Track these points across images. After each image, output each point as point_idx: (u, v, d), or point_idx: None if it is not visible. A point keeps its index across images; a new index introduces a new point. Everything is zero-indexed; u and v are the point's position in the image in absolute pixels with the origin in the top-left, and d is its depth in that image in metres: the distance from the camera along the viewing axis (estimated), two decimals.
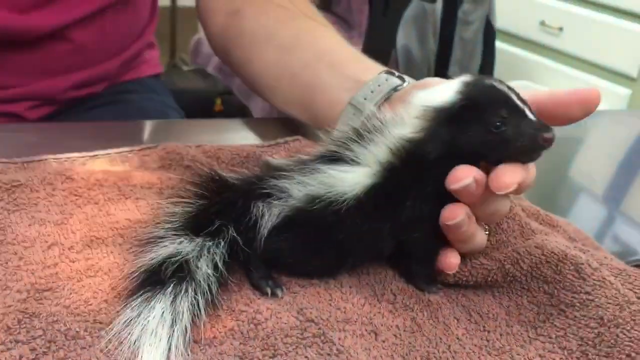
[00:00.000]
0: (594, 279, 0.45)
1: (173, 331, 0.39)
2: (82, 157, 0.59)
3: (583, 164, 0.87)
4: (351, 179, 0.44)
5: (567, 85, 2.30)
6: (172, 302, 0.40)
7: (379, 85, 0.58)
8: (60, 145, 0.61)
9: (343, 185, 0.44)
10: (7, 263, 0.43)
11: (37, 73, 0.79)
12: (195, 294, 0.41)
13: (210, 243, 0.43)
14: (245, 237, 0.44)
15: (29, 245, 0.45)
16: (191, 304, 0.40)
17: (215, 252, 0.43)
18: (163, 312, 0.39)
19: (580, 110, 0.46)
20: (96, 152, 0.60)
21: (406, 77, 0.59)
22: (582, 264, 0.46)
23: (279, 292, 0.44)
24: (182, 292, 0.40)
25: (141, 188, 0.55)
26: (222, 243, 0.43)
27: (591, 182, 0.81)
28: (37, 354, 0.36)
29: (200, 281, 0.41)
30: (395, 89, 0.57)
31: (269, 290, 0.44)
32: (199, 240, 0.43)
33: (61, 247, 0.46)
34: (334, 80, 0.63)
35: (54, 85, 0.81)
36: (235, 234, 0.44)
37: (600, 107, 0.48)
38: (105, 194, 0.53)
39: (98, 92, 0.88)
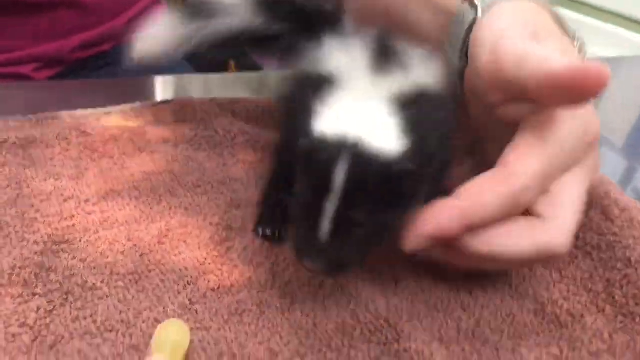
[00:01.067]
0: (621, 221, 0.43)
1: None
2: (96, 113, 0.59)
3: (602, 114, 0.83)
4: None
5: (585, 35, 2.21)
6: None
7: (458, 27, 0.45)
8: (72, 102, 0.60)
9: None
10: (23, 215, 0.43)
11: (43, 36, 0.78)
12: None
13: None
14: None
15: (45, 198, 0.45)
16: None
17: None
18: None
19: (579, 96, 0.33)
20: (110, 109, 0.60)
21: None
22: (610, 206, 0.44)
23: (267, 232, 0.43)
24: None
25: (156, 142, 0.55)
26: None
27: (611, 132, 0.78)
28: (54, 306, 0.36)
29: None
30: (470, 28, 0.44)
31: (260, 231, 0.43)
32: None
33: (77, 200, 0.45)
34: (425, 15, 0.51)
35: (61, 47, 0.80)
36: None
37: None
38: (120, 148, 0.53)
39: (106, 52, 0.87)
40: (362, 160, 0.32)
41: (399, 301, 0.40)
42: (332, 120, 0.34)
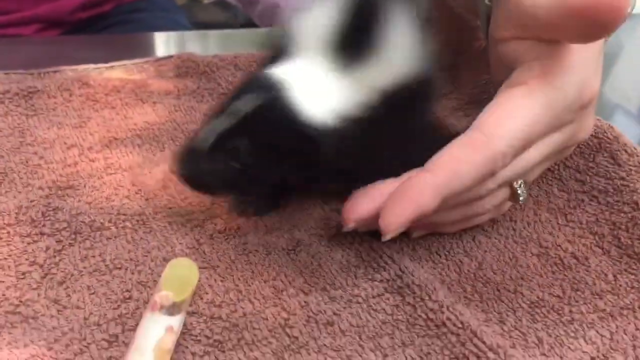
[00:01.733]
0: (629, 165, 0.43)
1: None
2: (98, 67, 0.58)
3: (616, 79, 0.82)
4: None
5: None
6: None
7: None
8: (74, 58, 0.60)
9: None
10: (27, 162, 0.43)
11: None
12: None
13: None
14: None
15: (48, 146, 0.45)
16: None
17: None
18: None
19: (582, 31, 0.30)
20: (112, 63, 0.59)
21: None
22: (618, 150, 0.44)
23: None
24: None
25: (158, 94, 0.54)
26: None
27: (626, 98, 0.77)
28: (63, 245, 0.36)
29: None
30: None
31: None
32: None
33: (80, 147, 0.45)
34: None
35: (60, 7, 0.79)
36: None
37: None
38: (122, 99, 0.52)
39: (107, 12, 0.85)
40: (277, 103, 0.32)
41: (399, 247, 0.40)
42: (276, 71, 0.34)
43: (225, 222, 0.40)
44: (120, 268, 0.35)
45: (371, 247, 0.39)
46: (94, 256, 0.36)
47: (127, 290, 0.34)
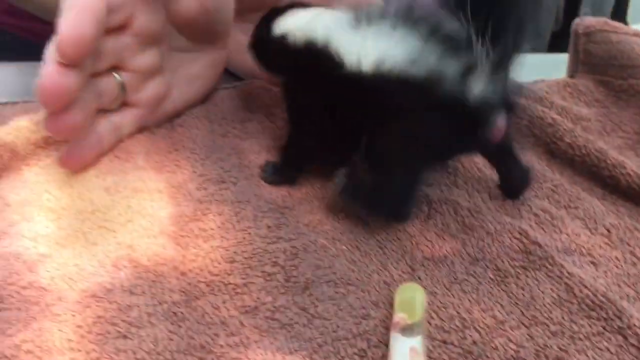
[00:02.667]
0: None
1: None
2: None
3: None
4: None
5: None
6: None
7: None
8: None
9: None
10: (244, 180, 0.47)
11: None
12: None
13: None
14: None
15: (260, 170, 0.49)
16: None
17: None
18: None
19: None
20: None
21: None
22: None
23: None
24: None
25: None
26: None
27: None
28: (297, 250, 0.40)
29: None
30: None
31: None
32: None
33: None
34: None
35: None
36: None
37: None
38: None
39: None
40: None
41: (605, 282, 0.41)
42: None
43: (431, 251, 0.43)
44: (350, 284, 0.38)
45: (582, 282, 0.40)
46: (325, 267, 0.39)
47: (364, 308, 0.37)
